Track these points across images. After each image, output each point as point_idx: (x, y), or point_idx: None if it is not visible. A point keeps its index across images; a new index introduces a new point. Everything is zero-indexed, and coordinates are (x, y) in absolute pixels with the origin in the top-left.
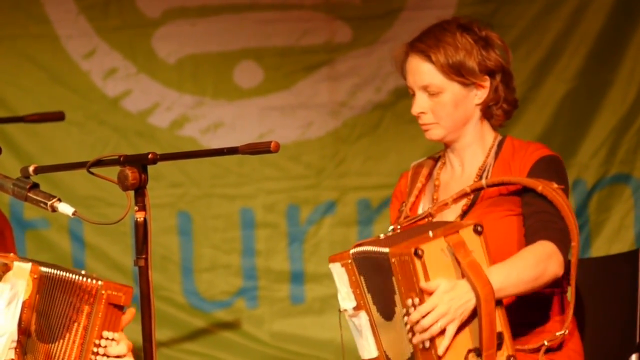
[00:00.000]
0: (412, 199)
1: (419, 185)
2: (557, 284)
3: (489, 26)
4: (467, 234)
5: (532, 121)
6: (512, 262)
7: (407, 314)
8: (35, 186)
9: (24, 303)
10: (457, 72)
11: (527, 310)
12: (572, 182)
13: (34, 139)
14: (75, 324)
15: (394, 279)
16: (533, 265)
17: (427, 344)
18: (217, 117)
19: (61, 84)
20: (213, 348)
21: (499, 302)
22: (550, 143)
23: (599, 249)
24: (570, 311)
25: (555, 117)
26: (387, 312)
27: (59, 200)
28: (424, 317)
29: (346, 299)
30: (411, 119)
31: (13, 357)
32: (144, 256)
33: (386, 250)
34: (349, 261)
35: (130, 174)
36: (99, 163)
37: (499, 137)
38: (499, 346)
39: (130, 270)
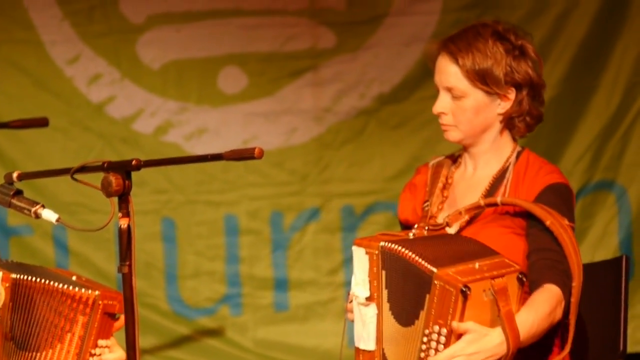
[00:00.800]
0: (435, 198)
1: (440, 185)
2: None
3: (527, 36)
4: (511, 279)
5: None
6: (534, 313)
7: (428, 335)
8: (19, 192)
9: None
10: (482, 79)
11: (529, 349)
12: None
13: (17, 145)
14: (69, 334)
15: (428, 296)
16: (549, 315)
17: None
18: (201, 123)
19: (45, 90)
20: (197, 355)
21: None
22: (534, 148)
23: (583, 255)
24: (567, 348)
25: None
26: (402, 316)
27: (43, 206)
28: None
29: (360, 286)
30: (395, 125)
31: None
32: (127, 263)
33: (432, 268)
34: (376, 252)
35: (114, 180)
36: (83, 169)
37: (518, 149)
38: None
39: (114, 276)
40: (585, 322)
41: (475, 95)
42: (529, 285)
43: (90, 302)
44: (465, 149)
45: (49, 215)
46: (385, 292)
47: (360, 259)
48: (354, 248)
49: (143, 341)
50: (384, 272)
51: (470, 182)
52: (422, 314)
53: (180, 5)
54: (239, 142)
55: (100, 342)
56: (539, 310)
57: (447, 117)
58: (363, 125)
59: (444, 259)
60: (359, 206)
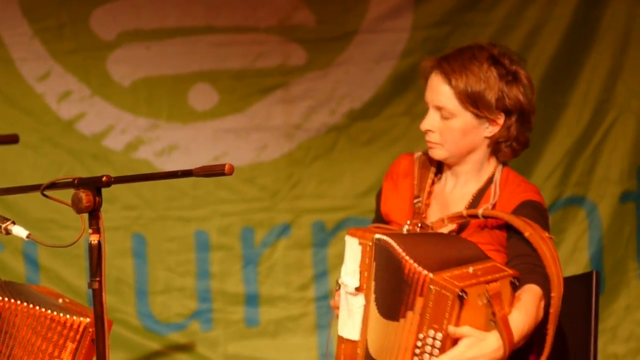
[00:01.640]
0: (425, 195)
1: (429, 181)
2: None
3: (522, 61)
4: (504, 284)
5: None
6: (525, 315)
7: (423, 339)
8: None
9: None
10: (473, 102)
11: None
12: None
13: None
14: None
15: (420, 299)
16: (535, 315)
17: None
18: (171, 140)
19: (15, 107)
20: None
21: None
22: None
23: None
24: (543, 359)
25: None
26: (385, 309)
27: (13, 223)
28: None
29: (350, 275)
30: (365, 142)
31: None
32: (98, 279)
33: (428, 274)
34: (370, 243)
35: (85, 196)
36: (53, 186)
37: (500, 167)
38: None
39: (84, 292)
40: (556, 336)
41: (464, 117)
42: (518, 274)
43: (80, 329)
44: (448, 166)
45: (19, 231)
46: (373, 284)
47: (353, 249)
48: (347, 237)
49: (113, 357)
50: (374, 264)
51: (448, 198)
52: (412, 315)
53: (151, 23)
54: (210, 159)
55: None
56: (528, 311)
57: (434, 135)
58: (333, 141)
59: (437, 262)
60: (329, 222)
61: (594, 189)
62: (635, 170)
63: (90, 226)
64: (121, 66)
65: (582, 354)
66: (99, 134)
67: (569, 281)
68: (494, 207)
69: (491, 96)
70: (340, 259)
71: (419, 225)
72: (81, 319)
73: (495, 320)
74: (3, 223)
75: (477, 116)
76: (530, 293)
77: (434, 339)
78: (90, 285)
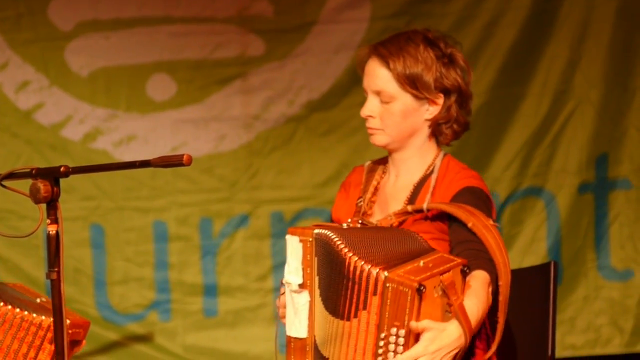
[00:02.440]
0: (368, 195)
1: (374, 183)
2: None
3: (457, 44)
4: (456, 273)
5: None
6: (477, 299)
7: (385, 338)
8: None
9: None
10: (412, 83)
11: None
12: None
13: None
14: None
15: (374, 298)
16: (486, 299)
17: None
18: (130, 130)
19: None
20: None
21: None
22: (462, 156)
23: (512, 261)
24: (494, 346)
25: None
26: (334, 308)
27: None
28: None
29: (293, 273)
30: (324, 132)
31: None
32: (56, 269)
33: (381, 272)
34: (310, 239)
35: (43, 187)
36: (11, 176)
37: (441, 155)
38: None
39: (42, 283)
40: (513, 327)
41: (404, 99)
42: (466, 261)
43: None
44: (390, 154)
45: None
46: (316, 279)
47: (294, 246)
48: (288, 237)
49: None
50: (316, 259)
51: (392, 190)
52: (367, 315)
53: (109, 13)
54: (168, 149)
55: None
56: (479, 296)
57: (374, 120)
58: (292, 132)
59: (383, 257)
60: (288, 212)
61: (552, 179)
62: (594, 161)
63: (48, 216)
64: (79, 56)
65: (540, 344)
66: (57, 124)
67: (527, 272)
68: (432, 195)
69: (429, 76)
70: None
71: (360, 221)
72: None
73: (452, 310)
74: None
75: (417, 97)
76: (479, 279)
77: (397, 336)
78: (48, 276)
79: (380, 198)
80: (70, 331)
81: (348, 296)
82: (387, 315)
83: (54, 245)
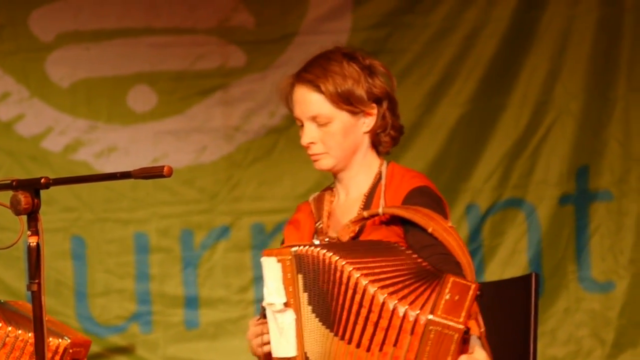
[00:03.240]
0: (324, 219)
1: (326, 208)
2: None
3: (372, 54)
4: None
5: (426, 146)
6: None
7: None
8: None
9: None
10: (346, 100)
11: None
12: (465, 206)
13: None
14: None
15: (408, 337)
16: None
17: None
18: (110, 142)
19: None
20: None
21: None
22: (443, 167)
23: (493, 273)
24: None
25: (448, 141)
26: (332, 323)
27: None
28: None
29: (275, 294)
30: None
31: None
32: (37, 281)
33: (422, 316)
34: (289, 258)
35: (23, 198)
36: None
37: (385, 164)
38: None
39: (23, 295)
40: (494, 338)
41: (341, 118)
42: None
43: (60, 350)
44: (335, 176)
45: None
46: (304, 296)
47: (272, 267)
48: (264, 259)
49: None
50: (300, 276)
51: (344, 208)
52: (394, 350)
53: (90, 24)
54: (149, 161)
55: None
56: None
57: (316, 146)
58: (273, 143)
59: (400, 284)
60: (269, 224)
61: (533, 191)
62: (574, 173)
63: (29, 228)
64: (60, 67)
65: (521, 356)
66: (38, 135)
67: (507, 283)
68: (385, 199)
69: (360, 89)
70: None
71: (326, 239)
72: (60, 340)
73: (482, 339)
74: None
75: (353, 113)
76: None
77: None
78: (29, 288)
79: (334, 220)
80: (71, 350)
81: (361, 324)
82: (426, 357)
83: (34, 257)
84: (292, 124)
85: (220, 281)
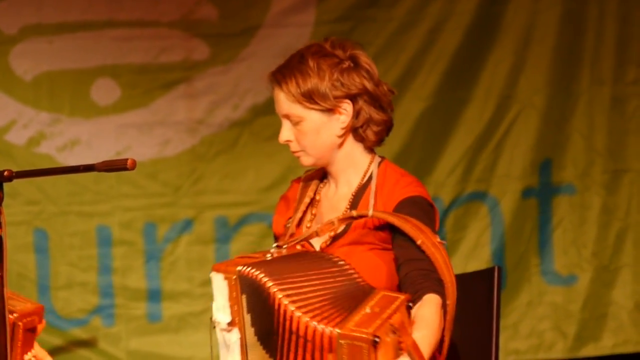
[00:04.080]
0: (298, 214)
1: (306, 200)
2: None
3: (358, 46)
4: (402, 311)
5: (389, 139)
6: (431, 330)
7: None
8: None
9: None
10: (310, 99)
11: None
12: None
13: None
14: None
15: (329, 355)
16: (439, 326)
17: None
18: (73, 135)
19: None
20: None
21: None
22: (407, 161)
23: (456, 266)
24: None
25: (411, 135)
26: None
27: None
28: None
29: (221, 311)
30: (269, 137)
31: None
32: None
33: (334, 330)
34: (234, 277)
35: None
36: None
37: (377, 160)
38: None
39: None
40: (457, 332)
41: (311, 117)
42: (410, 297)
43: (9, 325)
44: (324, 168)
45: None
46: (248, 317)
47: (219, 284)
48: (212, 274)
49: None
50: (244, 297)
51: (332, 201)
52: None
53: (53, 17)
54: (112, 154)
55: (26, 356)
56: (430, 325)
57: (293, 144)
58: (236, 136)
59: (328, 307)
60: (232, 217)
61: (496, 184)
62: (538, 167)
63: None
64: (23, 60)
65: (483, 349)
66: (1, 128)
67: (470, 277)
68: (375, 202)
69: (324, 87)
70: (245, 252)
71: (284, 246)
72: (9, 316)
73: (404, 348)
74: None
75: (322, 111)
76: (432, 304)
77: None
78: None
79: (321, 209)
80: (21, 323)
81: (292, 349)
82: None
83: None
84: (255, 117)
85: (183, 274)
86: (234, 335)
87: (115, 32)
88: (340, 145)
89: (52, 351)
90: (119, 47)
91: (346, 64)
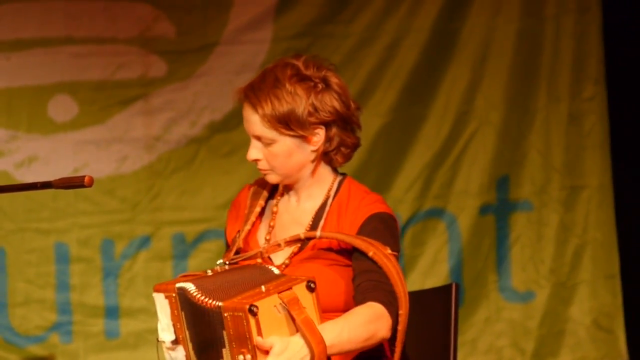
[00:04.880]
0: (247, 227)
1: (257, 209)
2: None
3: (331, 66)
4: (300, 290)
5: None
6: (344, 321)
7: None
8: None
9: None
10: (285, 125)
11: None
12: None
13: None
14: None
15: (224, 332)
16: (364, 325)
17: None
18: (31, 151)
19: None
20: None
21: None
22: (364, 177)
23: (414, 283)
24: None
25: (369, 151)
26: (204, 356)
27: None
28: None
29: (165, 331)
30: (226, 153)
31: None
32: None
33: (218, 304)
34: (174, 295)
35: None
36: None
37: (339, 178)
38: None
39: None
40: (415, 348)
41: (283, 141)
42: (355, 305)
43: None
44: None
45: None
46: (187, 333)
47: (161, 304)
48: (154, 295)
49: None
50: (183, 313)
51: (294, 215)
52: (226, 352)
53: (10, 33)
54: (70, 170)
55: None
56: (349, 319)
57: (261, 162)
58: (194, 153)
59: (230, 292)
60: (190, 234)
61: (454, 201)
62: (495, 183)
63: None
64: None
65: None
66: None
67: (428, 293)
68: (337, 221)
69: (301, 113)
70: (201, 270)
71: (226, 263)
72: None
73: (296, 324)
74: None
75: (295, 137)
76: (366, 307)
77: None
78: None
79: (282, 220)
80: None
81: (214, 341)
82: (234, 345)
83: None
84: (213, 134)
85: (141, 291)
86: (180, 353)
87: (73, 49)
88: (307, 166)
89: None
90: (77, 63)
91: (320, 86)
